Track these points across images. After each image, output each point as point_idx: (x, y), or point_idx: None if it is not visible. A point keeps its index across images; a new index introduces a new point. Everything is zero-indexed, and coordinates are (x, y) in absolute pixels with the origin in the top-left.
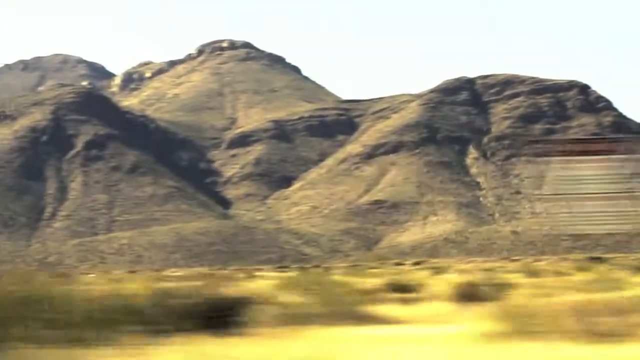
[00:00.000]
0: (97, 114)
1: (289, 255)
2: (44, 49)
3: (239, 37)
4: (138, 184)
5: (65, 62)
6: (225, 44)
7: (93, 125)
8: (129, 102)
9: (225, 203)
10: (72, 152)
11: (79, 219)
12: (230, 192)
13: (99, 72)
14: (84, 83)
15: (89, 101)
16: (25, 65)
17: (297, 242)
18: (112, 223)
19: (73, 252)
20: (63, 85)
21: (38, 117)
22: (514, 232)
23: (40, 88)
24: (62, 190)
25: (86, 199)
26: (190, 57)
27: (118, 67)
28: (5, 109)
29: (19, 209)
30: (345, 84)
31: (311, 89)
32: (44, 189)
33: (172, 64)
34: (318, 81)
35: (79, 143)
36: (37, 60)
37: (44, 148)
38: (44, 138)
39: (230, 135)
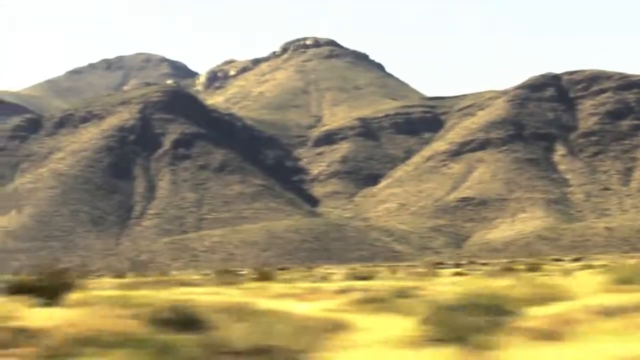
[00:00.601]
0: (184, 113)
1: (380, 252)
2: (127, 48)
3: (323, 34)
4: (226, 183)
5: (148, 61)
6: (309, 42)
7: (180, 124)
8: (214, 100)
9: (313, 201)
10: (160, 151)
11: (168, 217)
12: (317, 190)
13: (182, 71)
14: (169, 82)
15: (175, 100)
16: (108, 65)
17: (388, 239)
18: (201, 221)
19: (165, 250)
20: (148, 84)
21: (125, 116)
22: (608, 229)
23: (125, 87)
24: (151, 188)
25: (175, 198)
26: (274, 55)
27: (200, 65)
28: (92, 108)
29: (108, 207)
30: (429, 80)
31: (395, 86)
32: (132, 187)
33: (256, 62)
34: (402, 78)
35: (167, 142)
36: (120, 59)
37: (132, 147)
38: (132, 137)
39: (316, 133)
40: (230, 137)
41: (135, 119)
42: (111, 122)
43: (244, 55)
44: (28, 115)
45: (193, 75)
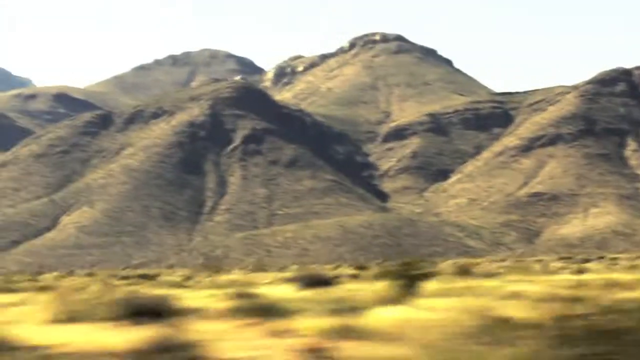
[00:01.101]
0: (254, 109)
1: (453, 248)
2: (193, 44)
3: (391, 30)
4: (297, 178)
5: (214, 57)
6: (377, 37)
7: (250, 119)
8: (282, 96)
9: (382, 196)
10: (230, 146)
11: (239, 212)
12: (387, 185)
13: (248, 67)
14: (237, 78)
15: (245, 96)
16: (174, 61)
17: (460, 234)
18: (272, 217)
19: (238, 245)
20: (216, 80)
21: (195, 112)
22: None
23: (193, 83)
24: (222, 184)
25: (245, 193)
26: (342, 51)
27: (266, 61)
28: (162, 104)
29: (180, 203)
30: (497, 76)
31: (463, 82)
32: (203, 183)
33: (324, 57)
34: (469, 74)
35: (237, 138)
36: (187, 55)
37: (203, 143)
38: (202, 133)
39: (385, 128)
40: (300, 133)
41: (205, 114)
42: (181, 118)
43: (310, 50)
44: (98, 112)
45: (259, 71)
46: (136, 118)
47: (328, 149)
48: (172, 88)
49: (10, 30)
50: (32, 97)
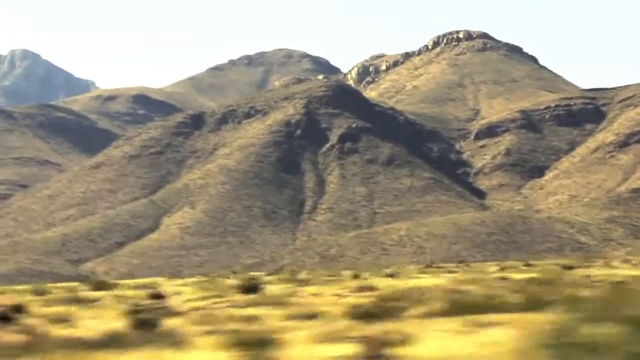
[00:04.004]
0: (347, 107)
1: (566, 244)
2: (268, 44)
3: (474, 27)
4: (395, 176)
5: (289, 57)
6: (461, 35)
7: (345, 118)
8: (367, 94)
9: (479, 193)
10: (327, 145)
11: (340, 211)
12: (482, 183)
13: (324, 66)
14: (319, 77)
15: (339, 94)
16: (249, 61)
17: (571, 230)
18: (374, 215)
19: (352, 244)
20: (300, 80)
21: (290, 111)
22: None
23: (276, 83)
24: (320, 183)
25: (345, 192)
26: (426, 49)
27: (341, 60)
28: (254, 104)
29: (280, 202)
30: (582, 72)
31: (550, 79)
32: (302, 182)
33: (407, 56)
34: (555, 70)
35: (333, 136)
36: (261, 55)
37: (299, 142)
38: (298, 132)
39: (476, 126)
40: (394, 131)
41: (300, 113)
42: (276, 117)
43: (386, 49)
44: (191, 112)
45: (335, 70)
46: (228, 118)
47: (422, 147)
48: (247, 88)
49: (73, 33)
50: (112, 98)
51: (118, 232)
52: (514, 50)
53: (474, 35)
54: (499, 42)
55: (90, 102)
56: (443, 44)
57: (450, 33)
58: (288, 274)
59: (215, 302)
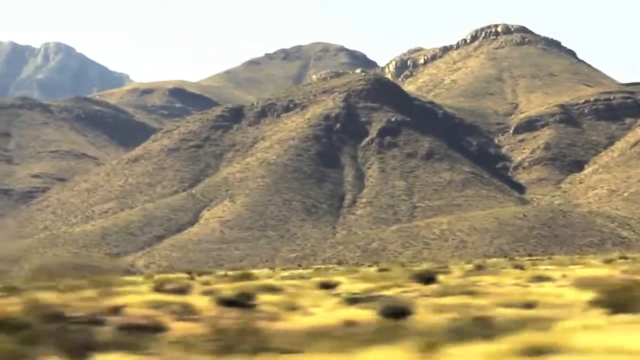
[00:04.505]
0: (387, 101)
1: (608, 239)
2: (304, 38)
3: (512, 21)
4: (435, 170)
5: (325, 51)
6: (499, 29)
7: (384, 112)
8: (405, 88)
9: (519, 188)
10: (366, 139)
11: (380, 205)
12: (522, 177)
13: (360, 60)
14: (357, 71)
15: (378, 88)
16: (286, 55)
17: (612, 225)
18: (414, 209)
19: (394, 238)
20: (338, 74)
21: (329, 105)
22: None
23: (313, 76)
24: (360, 177)
25: (385, 186)
26: (464, 43)
27: (377, 54)
28: (294, 97)
29: (320, 196)
30: (619, 67)
31: (588, 73)
32: (341, 176)
33: (445, 50)
34: (593, 64)
35: (373, 130)
36: (298, 49)
37: (338, 136)
38: (338, 126)
39: (515, 120)
40: (433, 125)
41: (339, 107)
42: (315, 111)
43: (421, 43)
44: (230, 105)
45: (372, 64)
46: (267, 112)
47: (461, 141)
48: (285, 82)
49: (107, 26)
50: (148, 92)
51: (158, 225)
52: (552, 44)
53: (512, 29)
54: (537, 36)
55: (126, 96)
56: (481, 38)
57: (489, 27)
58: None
59: (405, 292)
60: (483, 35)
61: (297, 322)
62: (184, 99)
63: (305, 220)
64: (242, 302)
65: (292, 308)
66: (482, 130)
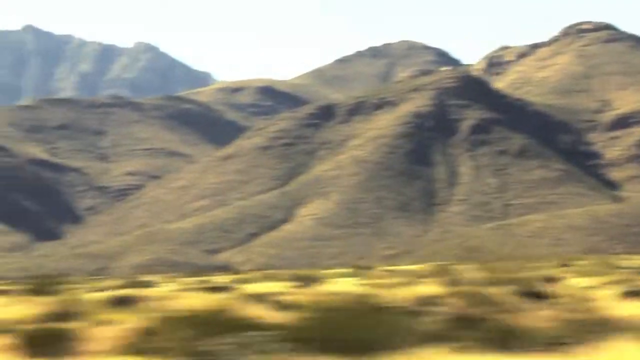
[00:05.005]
0: (477, 99)
1: None
2: (393, 36)
3: (599, 18)
4: (527, 168)
5: (411, 49)
6: (586, 26)
7: (474, 109)
8: (495, 86)
9: (612, 185)
10: (458, 136)
11: (473, 203)
12: (615, 174)
13: (445, 58)
14: (444, 68)
15: (467, 86)
16: (374, 53)
17: None
18: (507, 207)
19: (490, 236)
20: (425, 72)
21: (420, 102)
22: None
23: (402, 74)
24: (452, 174)
25: (477, 184)
26: (552, 40)
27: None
28: (385, 95)
29: (412, 194)
30: None
31: None
32: (433, 173)
33: (534, 47)
34: None
35: (464, 128)
36: (386, 47)
37: (429, 133)
38: (429, 123)
39: (606, 117)
40: (524, 122)
41: (430, 105)
42: (406, 108)
43: (506, 41)
44: (321, 103)
45: (457, 62)
46: (358, 109)
47: (552, 138)
48: (372, 80)
49: (192, 26)
50: (237, 90)
51: (252, 222)
52: (639, 42)
53: (598, 27)
54: (623, 33)
55: (215, 94)
56: (570, 35)
57: (579, 24)
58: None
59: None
60: (572, 32)
61: None
62: (272, 97)
63: (398, 217)
64: (541, 294)
65: None
66: (572, 128)
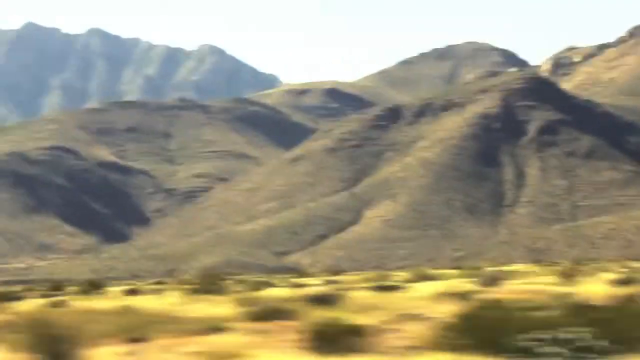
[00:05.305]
0: (544, 100)
1: None
2: (456, 38)
3: None
4: (595, 169)
5: (478, 50)
6: None
7: (542, 111)
8: (562, 87)
9: None
10: (525, 138)
11: (541, 204)
12: None
13: (512, 59)
14: (511, 70)
15: (535, 87)
16: (438, 54)
17: None
18: (575, 208)
19: (559, 237)
20: (493, 74)
21: (487, 104)
22: None
23: (468, 76)
24: (519, 176)
25: (545, 185)
26: (619, 41)
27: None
28: (452, 96)
29: (480, 195)
30: None
31: None
32: (501, 175)
33: (601, 48)
34: None
35: (531, 129)
36: (451, 48)
37: (497, 134)
38: (496, 125)
39: None
40: (592, 124)
41: (497, 106)
42: (473, 110)
43: (572, 41)
44: (388, 105)
45: (523, 63)
46: (425, 111)
47: (621, 139)
48: (437, 82)
49: (256, 28)
50: (303, 92)
51: (320, 224)
52: None
53: None
54: None
55: (282, 96)
56: (636, 36)
57: None
58: None
59: None
60: (637, 33)
61: None
62: (338, 99)
63: (466, 219)
64: None
65: None
66: None
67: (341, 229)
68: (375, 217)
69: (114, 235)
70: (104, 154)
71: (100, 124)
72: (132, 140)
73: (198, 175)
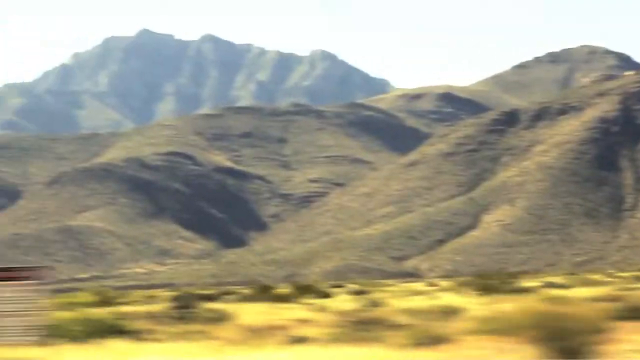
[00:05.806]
0: None
1: None
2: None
3: None
4: None
5: (592, 53)
6: None
7: None
8: None
9: None
10: None
11: None
12: None
13: (627, 63)
14: (629, 73)
15: None
16: (553, 58)
17: None
18: None
19: None
20: (610, 77)
21: (605, 107)
22: None
23: (584, 79)
24: (639, 180)
25: None
26: None
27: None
28: (569, 100)
29: (599, 199)
30: None
31: None
32: (619, 179)
33: None
34: None
35: None
36: (566, 52)
37: (615, 138)
38: (615, 128)
39: None
40: None
41: (616, 110)
42: (591, 114)
43: None
44: (505, 109)
45: (638, 66)
46: (542, 115)
47: None
48: (552, 86)
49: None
50: (417, 97)
51: (438, 229)
52: None
53: None
54: None
55: (395, 101)
56: None
57: None
58: None
59: None
60: None
61: None
62: (452, 103)
63: (585, 223)
64: None
65: None
66: None
67: (459, 233)
68: (493, 222)
69: (231, 240)
70: (220, 159)
71: (216, 129)
72: (247, 146)
73: (313, 180)
